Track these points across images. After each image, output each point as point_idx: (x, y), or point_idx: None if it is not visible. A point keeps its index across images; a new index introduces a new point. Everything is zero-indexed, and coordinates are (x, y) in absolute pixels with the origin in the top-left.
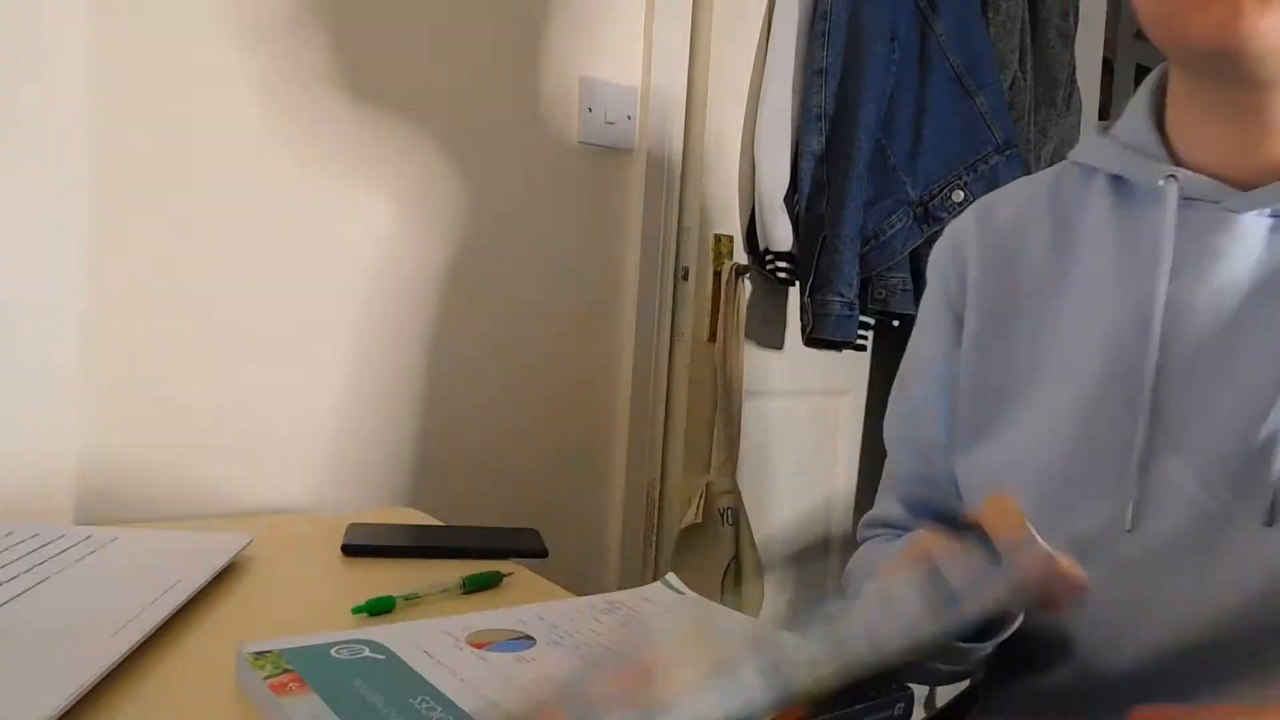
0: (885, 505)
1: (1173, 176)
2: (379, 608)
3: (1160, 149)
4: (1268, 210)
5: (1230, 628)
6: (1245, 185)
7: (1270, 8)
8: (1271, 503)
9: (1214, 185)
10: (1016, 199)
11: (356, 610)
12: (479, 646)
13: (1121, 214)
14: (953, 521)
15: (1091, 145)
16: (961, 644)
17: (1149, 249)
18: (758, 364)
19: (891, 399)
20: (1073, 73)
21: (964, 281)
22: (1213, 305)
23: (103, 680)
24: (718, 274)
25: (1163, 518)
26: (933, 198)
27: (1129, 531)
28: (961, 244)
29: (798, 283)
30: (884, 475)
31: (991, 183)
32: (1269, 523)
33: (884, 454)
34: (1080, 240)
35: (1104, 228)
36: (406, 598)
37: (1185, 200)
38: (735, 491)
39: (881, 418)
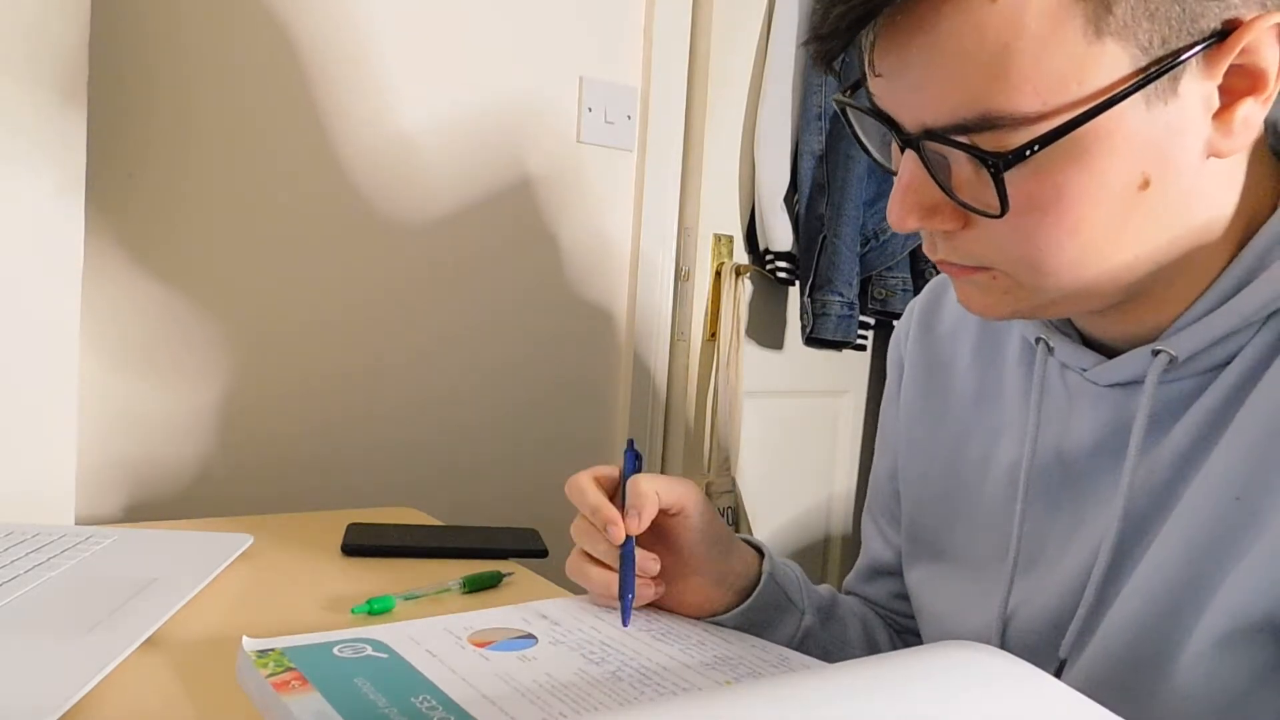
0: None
1: (1041, 339)
2: (378, 608)
3: None
4: (1121, 379)
5: None
6: (1107, 347)
7: (975, 287)
8: (1058, 670)
9: (1079, 354)
10: (953, 304)
11: (356, 610)
12: (481, 645)
13: (1024, 353)
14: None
15: None
16: None
17: (1031, 400)
18: (758, 364)
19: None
20: None
21: (898, 381)
22: (1063, 464)
23: (103, 680)
24: (718, 274)
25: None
26: None
27: None
28: (900, 342)
29: (798, 283)
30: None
31: None
32: (1059, 668)
33: None
34: (1001, 362)
35: (1012, 362)
36: (406, 598)
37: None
38: (735, 491)
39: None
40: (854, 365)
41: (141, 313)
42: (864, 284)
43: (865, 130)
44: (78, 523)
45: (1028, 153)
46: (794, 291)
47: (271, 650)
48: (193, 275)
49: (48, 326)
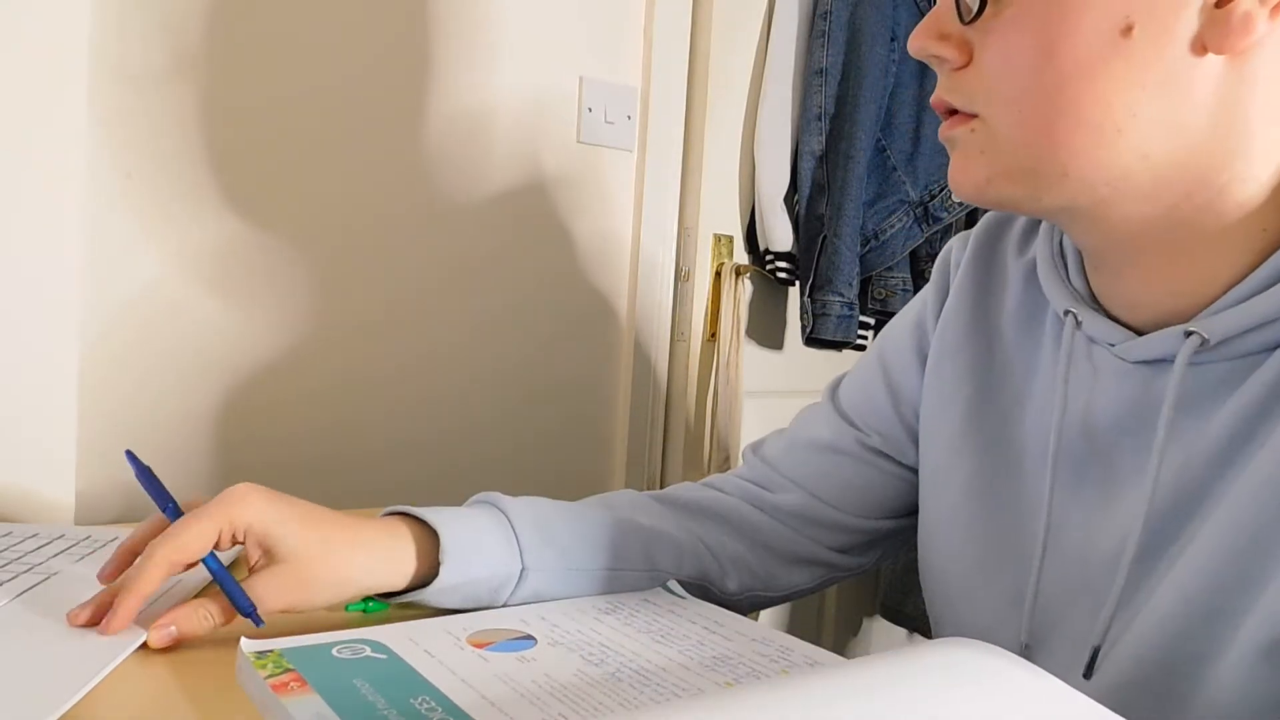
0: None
1: (1071, 313)
2: (374, 606)
3: (1081, 281)
4: (1150, 356)
5: None
6: (1141, 327)
7: (960, 154)
8: (1093, 655)
9: (1108, 329)
10: (1009, 253)
11: (351, 608)
12: (480, 646)
13: (1054, 326)
14: None
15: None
16: None
17: (1059, 372)
18: (758, 364)
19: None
20: None
21: (940, 307)
22: (1090, 445)
23: (103, 680)
24: (718, 274)
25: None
26: (932, 198)
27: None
28: (948, 266)
29: (798, 283)
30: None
31: None
32: (1087, 675)
33: None
34: (1039, 332)
35: (1047, 337)
36: None
37: (1087, 337)
38: None
39: None
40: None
41: (141, 312)
42: (864, 284)
43: None
44: (78, 523)
45: None
46: (794, 291)
47: (270, 651)
48: (193, 275)
49: (47, 326)
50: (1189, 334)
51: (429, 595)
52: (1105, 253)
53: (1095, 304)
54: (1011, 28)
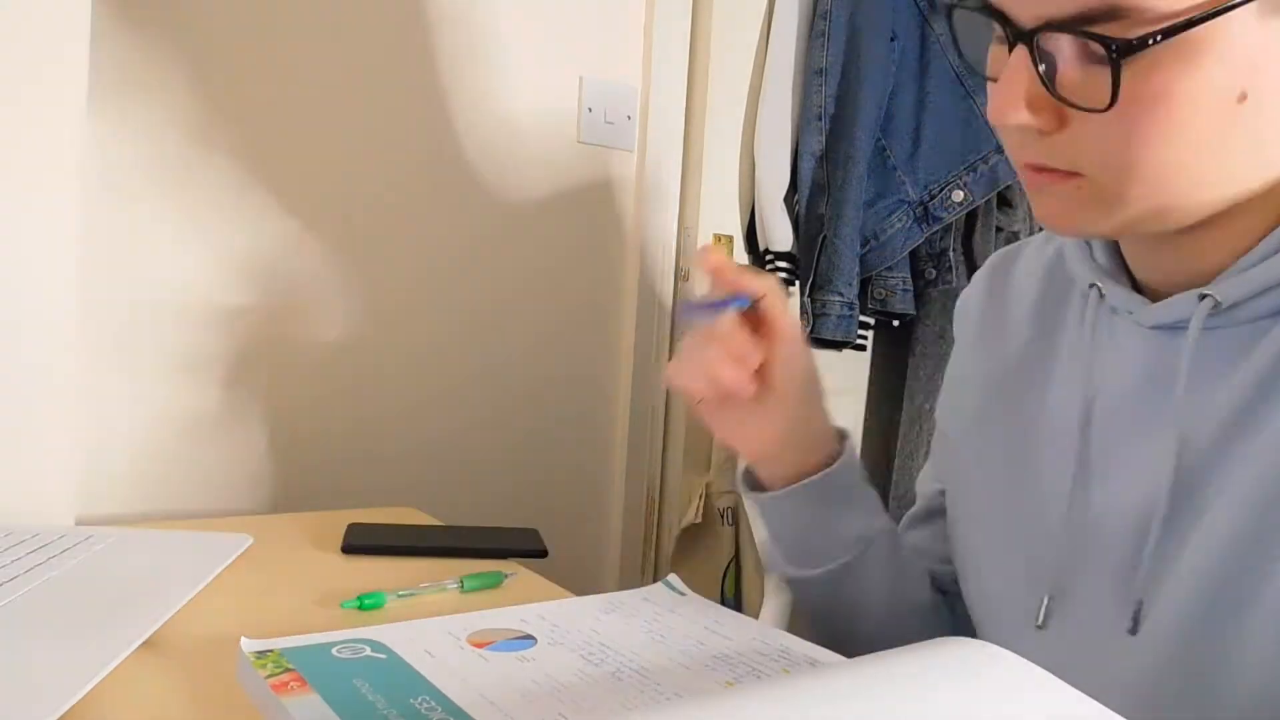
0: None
1: (1095, 286)
2: (369, 604)
3: (1105, 256)
4: (1166, 320)
5: None
6: (1159, 294)
7: (1055, 199)
8: (1136, 610)
9: (1128, 297)
10: (1025, 265)
11: (346, 605)
12: (480, 646)
13: (1079, 307)
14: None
15: None
16: None
17: (1084, 341)
18: None
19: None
20: None
21: (962, 345)
22: (1115, 409)
23: (103, 680)
24: None
25: (1069, 621)
26: (933, 198)
27: (1039, 628)
28: (966, 305)
29: (798, 283)
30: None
31: (992, 182)
32: (1133, 631)
33: (885, 454)
34: (1061, 321)
35: (1071, 321)
36: (401, 595)
37: (1110, 308)
38: (735, 491)
39: (881, 417)
40: (854, 365)
41: (142, 312)
42: (864, 284)
43: (964, 34)
44: (78, 523)
45: (1150, 42)
46: (794, 291)
47: (270, 651)
48: (193, 275)
49: (47, 326)
50: (1202, 297)
51: (816, 480)
52: (1151, 235)
53: (1119, 278)
54: (1133, 105)
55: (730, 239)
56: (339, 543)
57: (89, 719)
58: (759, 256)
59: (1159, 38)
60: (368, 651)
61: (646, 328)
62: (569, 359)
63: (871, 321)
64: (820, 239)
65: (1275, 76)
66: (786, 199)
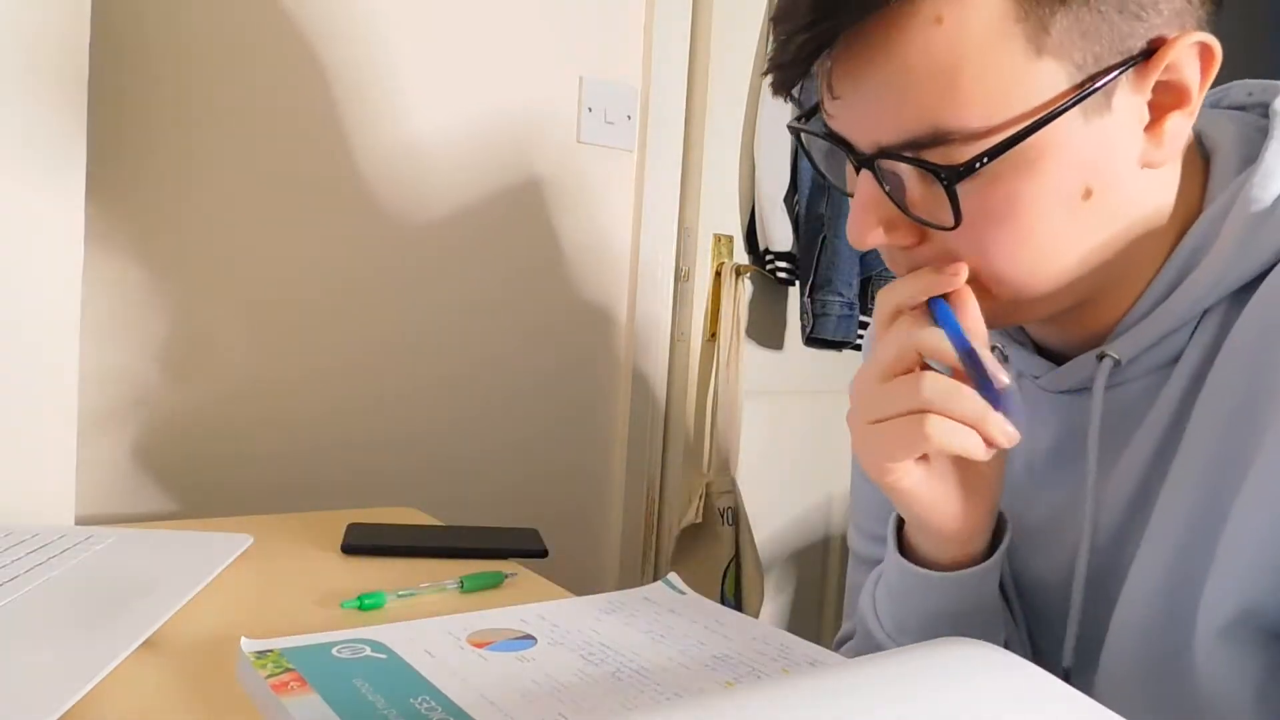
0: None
1: (997, 347)
2: (369, 603)
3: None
4: (1072, 385)
5: None
6: (1064, 357)
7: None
8: (1064, 677)
9: (1030, 361)
10: None
11: (346, 605)
12: (480, 646)
13: None
14: None
15: None
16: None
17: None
18: (758, 364)
19: None
20: None
21: None
22: (1030, 473)
23: (103, 680)
24: (718, 274)
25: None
26: None
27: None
28: None
29: (798, 283)
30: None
31: None
32: (1065, 676)
33: None
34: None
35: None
36: (401, 595)
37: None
38: (735, 491)
39: None
40: (854, 365)
41: (142, 312)
42: (864, 284)
43: (820, 155)
44: (78, 523)
45: (977, 165)
46: (794, 291)
47: (270, 651)
48: (193, 275)
49: (48, 326)
50: (1101, 357)
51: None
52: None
53: (1021, 339)
54: (980, 219)
55: (730, 239)
56: (339, 543)
57: (89, 719)
58: (759, 256)
59: (984, 160)
60: (368, 651)
61: (646, 327)
62: (569, 359)
63: (871, 321)
64: (820, 239)
65: (1115, 165)
66: (786, 199)
